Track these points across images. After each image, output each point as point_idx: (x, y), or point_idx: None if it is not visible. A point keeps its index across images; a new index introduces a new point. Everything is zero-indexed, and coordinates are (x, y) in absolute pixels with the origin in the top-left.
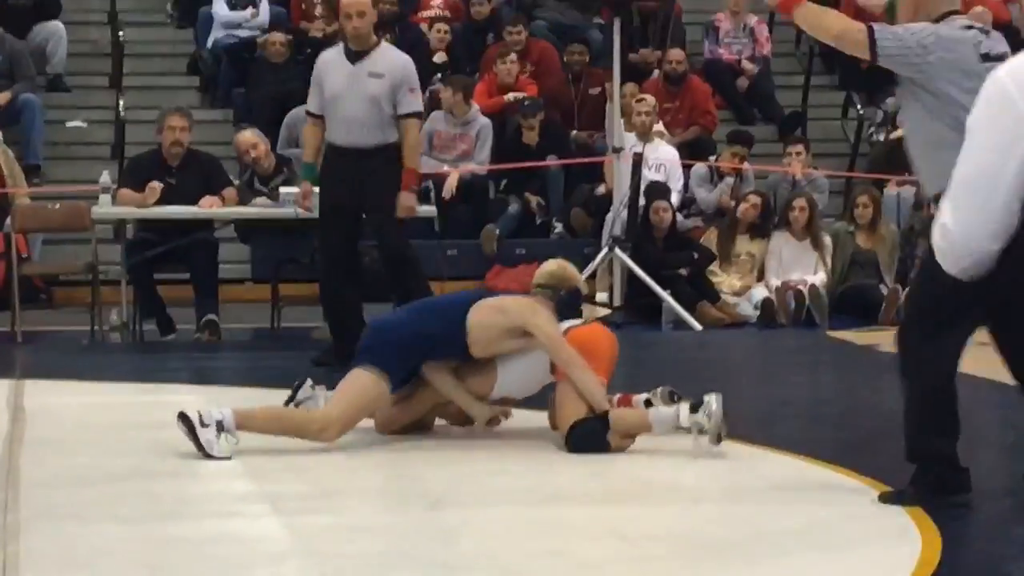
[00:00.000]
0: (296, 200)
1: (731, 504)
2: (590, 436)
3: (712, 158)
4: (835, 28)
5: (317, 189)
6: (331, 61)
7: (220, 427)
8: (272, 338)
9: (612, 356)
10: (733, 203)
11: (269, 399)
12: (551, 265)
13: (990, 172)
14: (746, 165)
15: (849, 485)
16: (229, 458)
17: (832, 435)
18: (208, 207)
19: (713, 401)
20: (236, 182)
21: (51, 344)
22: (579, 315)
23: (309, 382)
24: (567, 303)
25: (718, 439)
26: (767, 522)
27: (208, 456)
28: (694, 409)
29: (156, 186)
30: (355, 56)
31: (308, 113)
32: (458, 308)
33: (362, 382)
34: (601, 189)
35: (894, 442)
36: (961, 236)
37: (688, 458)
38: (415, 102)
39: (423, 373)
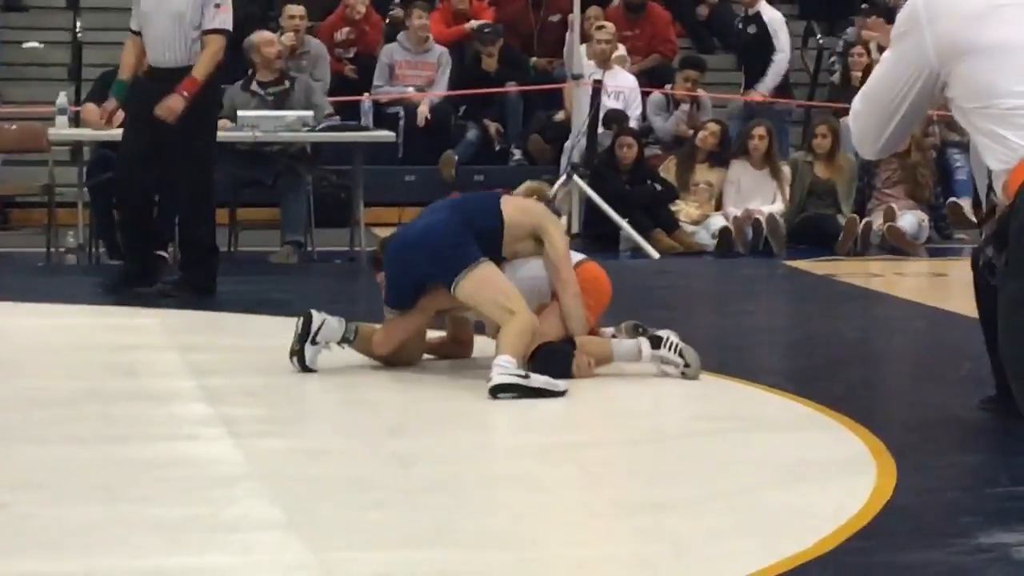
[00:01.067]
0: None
1: (687, 433)
2: (556, 358)
3: (668, 86)
4: None
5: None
6: None
7: None
8: (229, 261)
9: (607, 300)
10: (691, 131)
11: (223, 323)
12: (528, 183)
13: (890, 97)
14: (701, 92)
15: (805, 414)
16: None
17: (788, 364)
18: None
19: (673, 337)
20: None
21: (6, 265)
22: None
23: (313, 312)
24: (553, 211)
25: (697, 374)
26: (722, 450)
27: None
28: (655, 344)
29: (119, 115)
30: None
31: (130, 31)
32: (489, 200)
33: (491, 270)
34: (560, 116)
35: (850, 371)
36: (857, 136)
37: (647, 386)
38: (220, 18)
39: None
